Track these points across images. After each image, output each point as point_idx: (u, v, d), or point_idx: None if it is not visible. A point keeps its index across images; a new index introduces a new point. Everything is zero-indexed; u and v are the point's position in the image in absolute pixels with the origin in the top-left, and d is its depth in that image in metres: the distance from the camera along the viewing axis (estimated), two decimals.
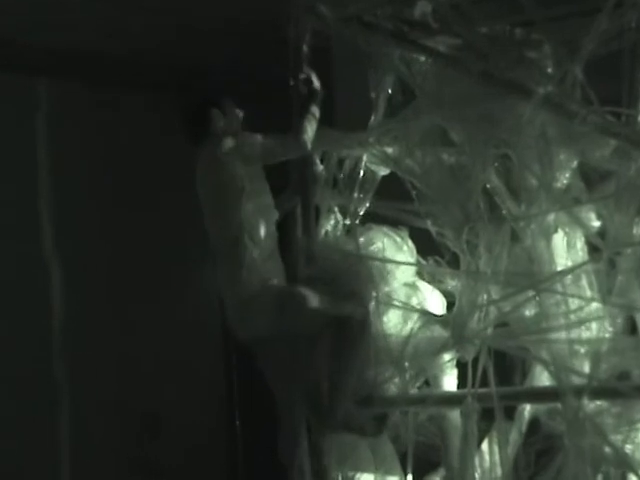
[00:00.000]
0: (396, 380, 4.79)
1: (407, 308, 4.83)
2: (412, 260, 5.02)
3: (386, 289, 4.82)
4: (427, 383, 4.90)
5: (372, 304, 4.73)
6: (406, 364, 4.75)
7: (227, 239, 4.63)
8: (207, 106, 4.70)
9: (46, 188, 7.00)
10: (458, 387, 4.93)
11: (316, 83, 4.82)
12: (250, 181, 4.60)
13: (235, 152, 4.61)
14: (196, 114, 4.72)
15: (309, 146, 4.69)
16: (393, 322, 4.83)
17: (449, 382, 4.94)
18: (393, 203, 4.95)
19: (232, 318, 4.69)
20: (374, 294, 4.73)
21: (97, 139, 7.09)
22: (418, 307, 4.86)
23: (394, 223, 5.02)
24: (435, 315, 4.86)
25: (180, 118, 4.77)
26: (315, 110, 4.78)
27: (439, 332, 4.80)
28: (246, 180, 4.58)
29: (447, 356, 4.83)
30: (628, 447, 4.64)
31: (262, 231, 4.62)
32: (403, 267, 4.95)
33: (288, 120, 4.81)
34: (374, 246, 4.91)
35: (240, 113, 4.77)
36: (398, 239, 5.00)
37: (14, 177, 6.95)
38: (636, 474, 4.58)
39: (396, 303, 4.81)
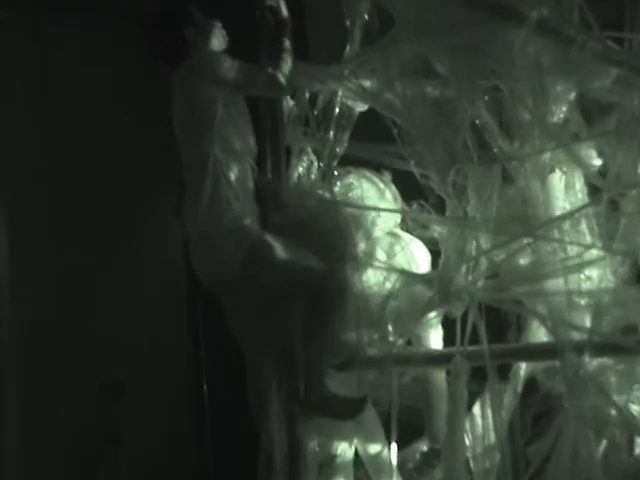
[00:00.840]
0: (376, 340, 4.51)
1: (387, 268, 4.53)
2: (396, 208, 4.71)
3: (367, 241, 4.51)
4: (410, 342, 4.63)
5: (350, 260, 4.39)
6: (388, 326, 4.49)
7: (196, 165, 4.30)
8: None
9: None
10: (445, 345, 4.68)
11: (284, 11, 4.51)
12: (225, 107, 4.28)
13: (207, 70, 4.29)
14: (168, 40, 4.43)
15: (286, 86, 4.40)
16: (373, 279, 4.52)
17: (435, 339, 4.69)
18: (371, 144, 4.63)
19: (195, 256, 4.35)
20: (353, 248, 4.38)
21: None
22: (401, 259, 4.57)
23: (374, 166, 4.72)
24: (418, 274, 4.57)
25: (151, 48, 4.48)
26: (287, 44, 4.46)
27: (423, 289, 4.50)
28: (220, 105, 4.27)
29: (433, 313, 4.54)
30: (634, 408, 4.53)
31: (235, 165, 4.31)
32: (385, 216, 4.67)
33: (254, 55, 4.50)
34: (353, 192, 4.61)
35: (217, 25, 4.47)
36: (381, 184, 4.70)
37: None
38: None
39: (377, 262, 4.52)
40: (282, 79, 4.37)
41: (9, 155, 6.44)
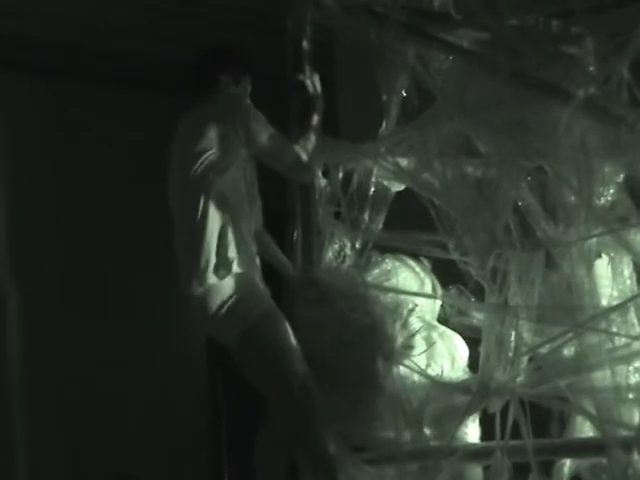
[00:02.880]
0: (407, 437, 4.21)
1: (424, 375, 4.26)
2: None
3: (405, 334, 4.23)
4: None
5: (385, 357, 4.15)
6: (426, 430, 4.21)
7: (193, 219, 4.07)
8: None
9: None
10: (483, 438, 4.39)
11: (317, 87, 4.29)
12: (243, 163, 4.11)
13: (239, 119, 4.05)
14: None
15: (307, 169, 4.22)
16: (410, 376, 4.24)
17: (471, 432, 4.39)
18: (406, 232, 4.46)
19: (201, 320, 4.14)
20: (389, 344, 4.11)
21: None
22: (442, 349, 4.30)
23: (409, 253, 4.48)
24: (455, 383, 4.30)
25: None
26: (315, 122, 4.26)
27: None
28: (238, 159, 4.09)
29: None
30: None
31: (240, 225, 4.09)
32: (424, 308, 4.41)
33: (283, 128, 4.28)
34: (391, 280, 4.35)
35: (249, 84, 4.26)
36: (421, 273, 4.45)
37: None
38: None
39: (413, 363, 4.23)
40: (304, 159, 4.17)
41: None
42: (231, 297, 4.05)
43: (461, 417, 4.17)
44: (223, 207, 4.07)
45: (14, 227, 6.37)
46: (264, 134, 4.13)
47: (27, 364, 6.27)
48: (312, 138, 4.24)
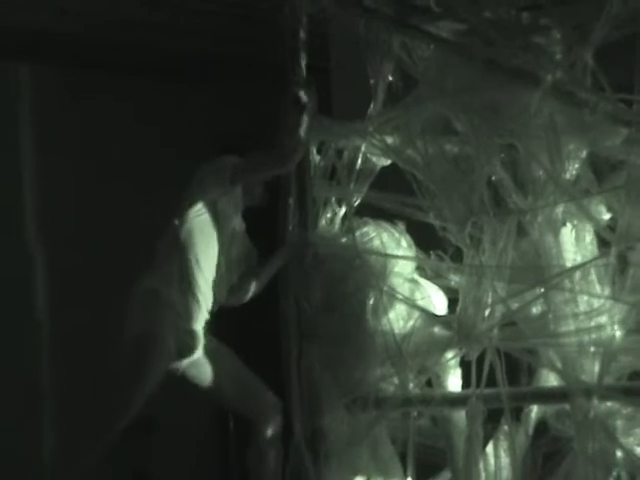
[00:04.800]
0: (395, 380, 4.39)
1: (410, 303, 4.43)
2: (411, 255, 4.61)
3: (387, 285, 4.41)
4: (429, 384, 4.52)
5: (372, 300, 4.34)
6: (407, 362, 4.35)
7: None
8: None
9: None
10: (462, 387, 4.56)
11: (310, 98, 4.40)
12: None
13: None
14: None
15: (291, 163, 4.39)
16: (393, 319, 4.42)
17: (453, 382, 4.57)
18: (394, 196, 4.55)
19: None
20: (376, 288, 4.32)
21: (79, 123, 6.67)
22: (421, 304, 4.45)
23: (391, 217, 4.64)
24: (438, 315, 4.47)
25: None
26: (303, 127, 4.38)
27: (441, 331, 4.41)
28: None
29: (450, 354, 4.43)
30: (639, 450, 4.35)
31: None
32: (402, 263, 4.56)
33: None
34: (373, 241, 4.52)
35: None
36: (396, 234, 4.61)
37: None
38: None
39: (399, 297, 4.40)
40: (292, 161, 4.36)
41: None
42: None
43: (440, 351, 4.33)
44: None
45: (40, 197, 6.55)
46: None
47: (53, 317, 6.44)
48: (298, 134, 4.34)
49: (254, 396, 4.47)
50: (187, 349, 4.35)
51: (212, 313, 4.43)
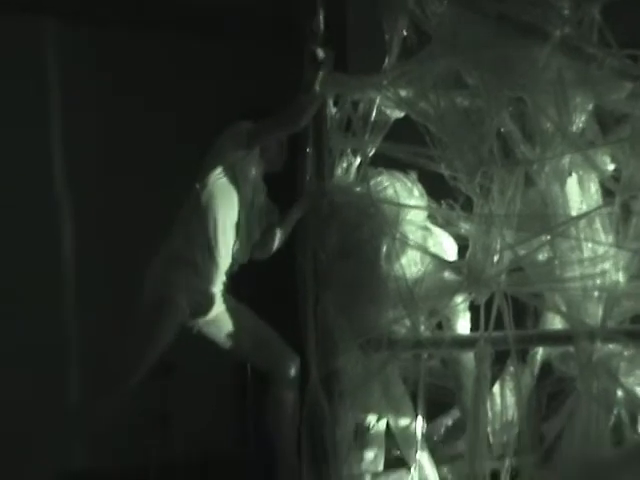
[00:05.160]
0: (407, 323, 4.50)
1: (422, 249, 4.55)
2: (422, 204, 4.74)
3: (400, 232, 4.53)
4: (440, 326, 4.65)
5: (385, 247, 4.47)
6: (418, 305, 4.46)
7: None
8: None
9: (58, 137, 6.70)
10: (471, 330, 4.70)
11: (327, 57, 4.50)
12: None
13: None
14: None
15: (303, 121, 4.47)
16: (405, 265, 4.53)
17: (462, 325, 4.72)
18: (406, 146, 4.64)
19: None
20: (390, 235, 4.45)
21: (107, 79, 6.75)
22: (432, 250, 4.58)
23: (404, 167, 4.74)
24: (449, 261, 4.60)
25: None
26: (320, 82, 4.48)
27: (451, 276, 4.54)
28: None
29: (459, 298, 4.56)
30: (639, 390, 4.48)
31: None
32: (414, 211, 4.68)
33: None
34: (386, 190, 4.64)
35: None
36: (409, 183, 4.73)
37: (25, 120, 6.61)
38: None
39: (411, 243, 4.53)
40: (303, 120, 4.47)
41: None
42: None
43: (450, 294, 4.45)
44: None
45: (68, 151, 6.65)
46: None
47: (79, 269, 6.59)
48: (314, 90, 4.45)
49: (271, 350, 4.64)
50: (201, 309, 4.54)
51: (230, 273, 4.59)
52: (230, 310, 4.59)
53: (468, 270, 4.41)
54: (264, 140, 4.53)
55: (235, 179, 4.51)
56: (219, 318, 4.58)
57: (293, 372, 4.61)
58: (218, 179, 4.48)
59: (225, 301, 4.59)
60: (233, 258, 4.56)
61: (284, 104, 4.51)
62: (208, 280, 4.49)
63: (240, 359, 4.81)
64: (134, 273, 4.57)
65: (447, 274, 4.54)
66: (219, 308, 4.57)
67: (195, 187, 4.51)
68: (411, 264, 4.53)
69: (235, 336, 4.60)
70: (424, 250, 4.52)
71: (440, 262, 4.53)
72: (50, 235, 6.66)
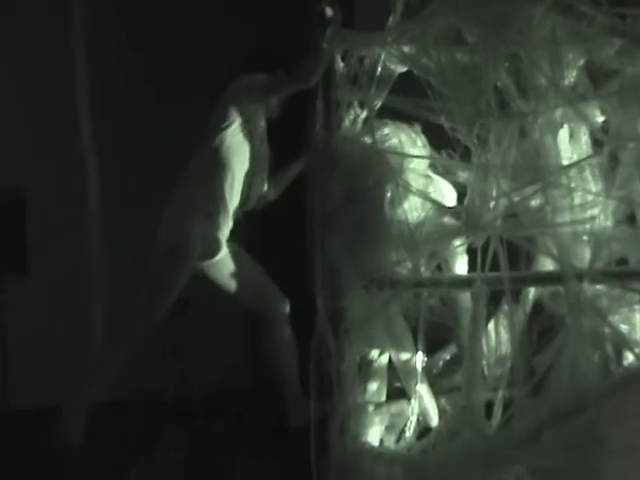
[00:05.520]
0: (408, 264, 4.70)
1: (423, 196, 4.74)
2: (425, 153, 4.93)
3: (403, 180, 4.73)
4: (439, 268, 4.83)
5: (389, 193, 4.67)
6: (419, 248, 4.65)
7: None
8: None
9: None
10: (468, 271, 4.89)
11: (335, 15, 4.69)
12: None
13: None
14: None
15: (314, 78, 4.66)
16: (408, 210, 4.73)
17: (460, 266, 4.89)
18: (409, 99, 4.81)
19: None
20: (393, 182, 4.65)
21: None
22: (433, 196, 4.77)
23: (408, 118, 4.91)
24: (448, 206, 4.79)
25: None
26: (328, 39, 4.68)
27: (450, 221, 4.73)
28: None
29: (457, 242, 4.75)
30: (624, 327, 4.64)
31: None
32: (417, 160, 4.86)
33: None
34: (391, 140, 4.82)
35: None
36: (412, 134, 4.92)
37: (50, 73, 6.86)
38: (632, 351, 4.56)
39: (413, 190, 4.71)
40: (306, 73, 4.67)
41: None
42: None
43: (450, 238, 4.64)
44: None
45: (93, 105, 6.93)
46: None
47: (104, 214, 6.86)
48: (322, 47, 4.64)
49: (265, 293, 4.93)
50: (210, 253, 4.80)
51: (235, 220, 4.84)
52: (232, 254, 4.86)
53: (466, 215, 4.58)
54: (277, 94, 4.74)
55: (249, 133, 4.74)
56: (222, 262, 4.85)
57: (285, 313, 4.91)
58: (236, 134, 4.70)
59: (229, 246, 4.85)
60: (241, 203, 4.80)
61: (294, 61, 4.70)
62: (219, 227, 4.75)
63: (237, 300, 5.03)
64: (155, 217, 4.82)
65: (446, 219, 4.71)
66: (222, 252, 4.83)
67: (209, 138, 4.73)
68: (413, 210, 4.71)
69: (234, 279, 4.86)
70: (425, 197, 4.70)
71: (440, 208, 4.71)
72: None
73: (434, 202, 4.71)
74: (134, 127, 7.08)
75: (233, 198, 4.76)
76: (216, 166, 4.72)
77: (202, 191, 4.73)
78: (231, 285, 4.90)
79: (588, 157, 4.64)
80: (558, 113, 4.63)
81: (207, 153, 4.75)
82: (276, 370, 4.99)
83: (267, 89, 4.74)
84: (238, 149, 4.73)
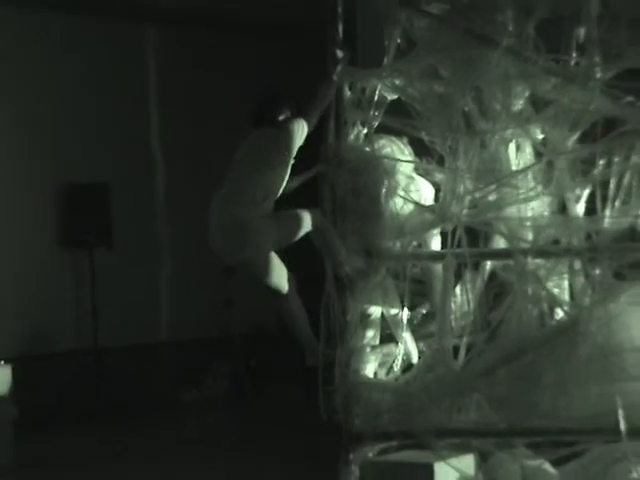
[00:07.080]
0: (398, 243, 5.58)
1: (410, 200, 5.51)
2: (410, 159, 5.72)
3: (393, 179, 5.57)
4: (420, 246, 5.67)
5: (384, 190, 5.57)
6: (406, 233, 5.53)
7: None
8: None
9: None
10: (441, 248, 5.63)
11: (341, 55, 5.49)
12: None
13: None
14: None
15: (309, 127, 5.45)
16: (398, 203, 5.58)
17: (435, 244, 5.68)
18: (399, 119, 5.57)
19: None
20: (386, 183, 5.54)
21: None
22: (414, 194, 5.57)
23: (398, 133, 5.62)
24: (427, 205, 5.57)
25: None
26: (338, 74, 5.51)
27: (429, 214, 5.55)
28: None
29: (435, 230, 5.60)
30: (556, 290, 5.41)
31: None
32: (404, 165, 5.61)
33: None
34: (385, 150, 5.61)
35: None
36: (401, 145, 5.68)
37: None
38: (562, 309, 5.39)
39: (400, 193, 5.51)
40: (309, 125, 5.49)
41: None
42: None
43: (428, 227, 5.42)
44: None
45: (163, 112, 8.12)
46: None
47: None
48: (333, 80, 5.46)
49: (280, 271, 5.58)
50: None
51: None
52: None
53: (440, 209, 5.42)
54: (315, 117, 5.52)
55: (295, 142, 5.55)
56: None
57: (293, 287, 5.62)
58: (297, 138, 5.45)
59: None
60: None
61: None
62: (260, 213, 5.45)
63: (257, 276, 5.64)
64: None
65: (426, 213, 5.51)
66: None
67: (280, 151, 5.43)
68: (400, 202, 5.59)
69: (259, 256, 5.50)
70: (408, 198, 5.46)
71: (421, 207, 5.52)
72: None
73: (415, 203, 5.50)
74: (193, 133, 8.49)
75: (277, 192, 5.45)
76: (278, 168, 5.38)
77: (256, 184, 5.30)
78: (255, 262, 5.51)
79: (532, 165, 5.43)
80: (509, 131, 5.39)
81: (269, 145, 5.40)
82: (294, 328, 5.70)
83: (308, 118, 5.46)
84: (291, 155, 5.48)
